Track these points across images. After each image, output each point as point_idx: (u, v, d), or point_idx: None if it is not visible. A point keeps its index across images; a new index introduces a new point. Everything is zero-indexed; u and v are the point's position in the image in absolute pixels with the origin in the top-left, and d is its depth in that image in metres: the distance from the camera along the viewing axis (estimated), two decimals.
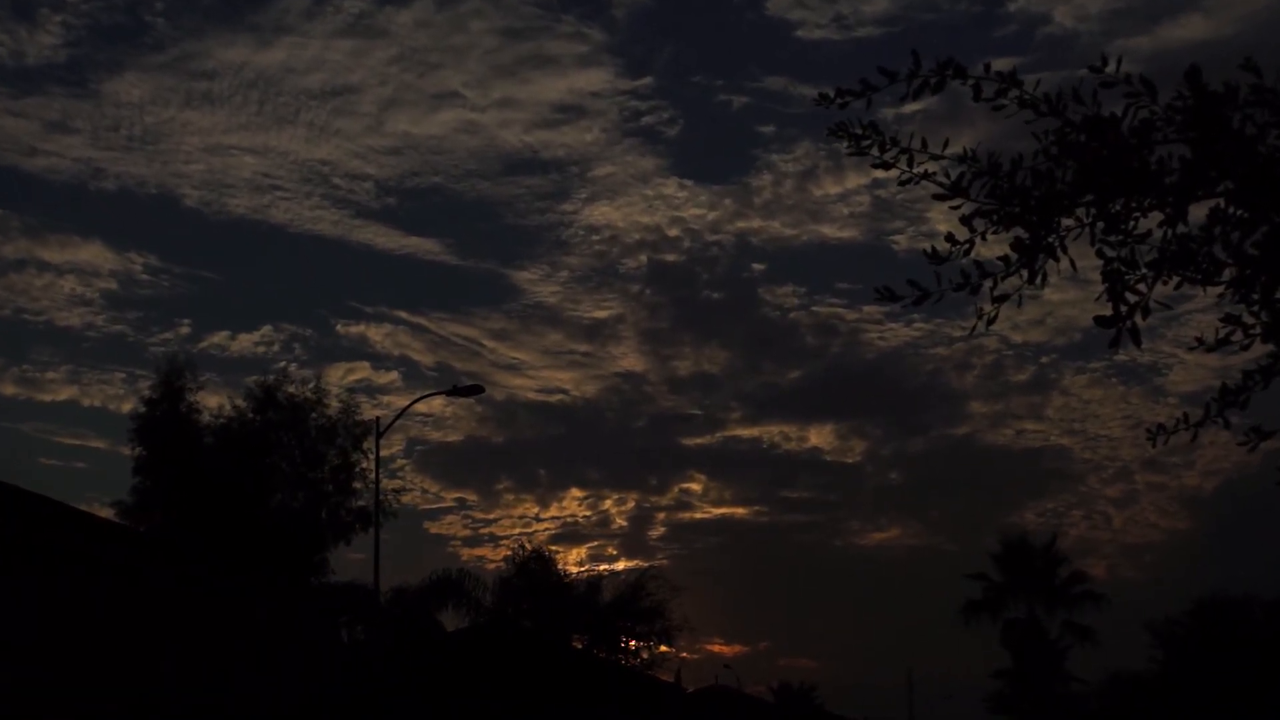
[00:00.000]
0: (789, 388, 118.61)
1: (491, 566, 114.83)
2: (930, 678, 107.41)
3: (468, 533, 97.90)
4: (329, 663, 37.07)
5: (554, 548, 48.72)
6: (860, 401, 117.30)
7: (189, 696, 28.63)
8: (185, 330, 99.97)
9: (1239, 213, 5.50)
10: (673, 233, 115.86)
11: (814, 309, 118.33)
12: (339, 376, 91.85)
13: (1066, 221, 5.75)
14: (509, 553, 46.25)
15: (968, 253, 5.85)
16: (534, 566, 43.09)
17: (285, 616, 35.97)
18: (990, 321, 5.87)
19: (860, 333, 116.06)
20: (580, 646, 42.37)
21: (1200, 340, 5.70)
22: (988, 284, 5.84)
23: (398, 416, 35.22)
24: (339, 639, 40.05)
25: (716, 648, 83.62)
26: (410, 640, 39.25)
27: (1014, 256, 5.79)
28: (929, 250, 5.81)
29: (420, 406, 79.21)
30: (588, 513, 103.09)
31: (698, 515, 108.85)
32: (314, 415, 45.50)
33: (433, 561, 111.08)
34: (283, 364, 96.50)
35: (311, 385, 46.54)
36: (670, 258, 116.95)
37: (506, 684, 38.48)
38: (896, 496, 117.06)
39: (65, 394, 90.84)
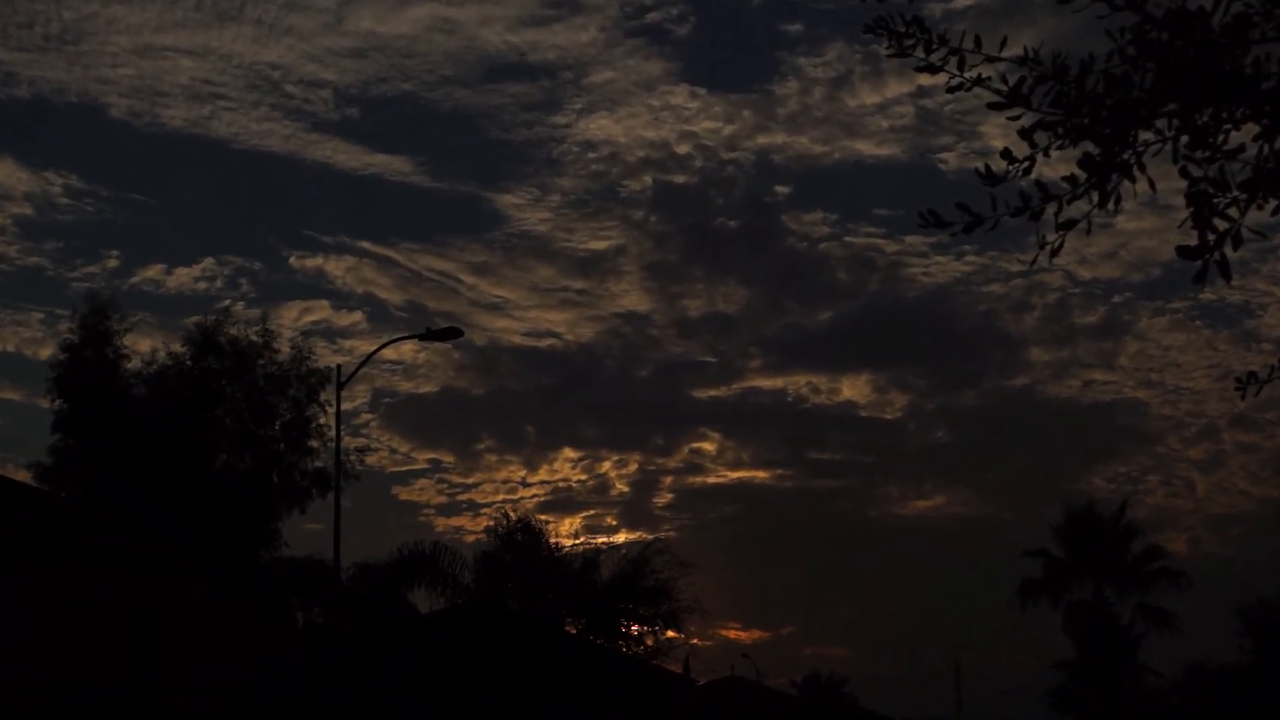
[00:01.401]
0: (818, 331, 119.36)
1: (471, 539, 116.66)
2: (981, 669, 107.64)
3: (443, 499, 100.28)
4: (280, 651, 37.41)
5: (544, 517, 48.42)
6: (901, 348, 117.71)
7: (113, 689, 28.86)
8: (113, 263, 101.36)
9: None
10: (682, 150, 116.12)
11: (847, 239, 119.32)
12: (292, 318, 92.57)
13: (1144, 135, 5.71)
14: (491, 523, 46.41)
15: (1028, 172, 5.82)
16: (520, 539, 43.23)
17: (229, 598, 36.29)
18: (1054, 253, 5.85)
19: (901, 267, 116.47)
20: (575, 632, 42.57)
21: None
22: (1051, 209, 5.81)
23: (362, 364, 35.49)
24: (292, 623, 40.54)
25: (732, 634, 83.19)
26: (376, 625, 39.62)
27: (1082, 176, 5.75)
28: (982, 169, 5.77)
29: (388, 352, 78.89)
30: (583, 477, 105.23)
31: (710, 480, 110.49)
32: (263, 362, 46.32)
33: (402, 533, 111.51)
34: (226, 302, 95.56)
35: (260, 327, 47.17)
36: (679, 179, 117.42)
37: (489, 675, 38.85)
38: (943, 458, 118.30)
39: None
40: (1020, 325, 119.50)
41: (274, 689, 35.33)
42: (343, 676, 33.70)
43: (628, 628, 43.11)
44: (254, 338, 46.60)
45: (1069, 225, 5.81)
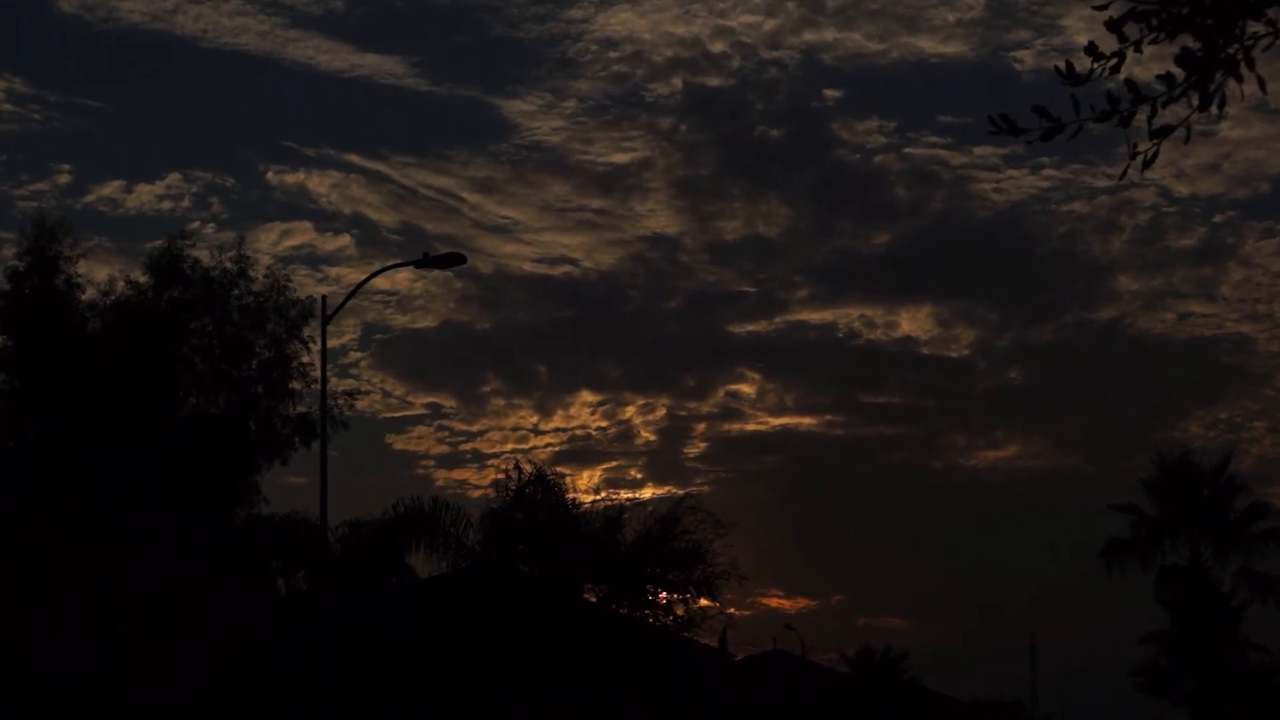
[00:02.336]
0: (872, 257, 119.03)
1: (477, 494, 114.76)
2: (1059, 644, 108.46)
3: (444, 449, 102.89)
4: (259, 621, 37.91)
5: (559, 470, 47.27)
6: (969, 276, 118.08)
7: (71, 663, 29.27)
8: (64, 179, 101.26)
9: None
10: (717, 48, 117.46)
11: (907, 151, 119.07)
12: (270, 241, 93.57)
13: (1253, 26, 5.61)
14: (499, 476, 44.31)
15: (1116, 70, 5.75)
16: (533, 495, 43.58)
17: (201, 561, 36.57)
18: (1147, 164, 5.80)
19: (969, 182, 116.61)
20: (595, 600, 43.26)
21: None
22: (1143, 113, 5.74)
23: (350, 295, 35.46)
24: (273, 589, 41.14)
25: (774, 602, 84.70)
26: (369, 591, 40.14)
27: (1180, 75, 5.68)
28: (1063, 68, 5.71)
29: (380, 282, 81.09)
30: (604, 423, 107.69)
31: (750, 427, 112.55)
32: (236, 293, 46.54)
33: (398, 488, 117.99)
34: (194, 224, 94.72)
35: (233, 253, 47.33)
36: (714, 82, 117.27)
37: (497, 648, 39.29)
38: (1016, 403, 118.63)
39: None
40: (1106, 250, 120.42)
41: (252, 665, 35.81)
42: (330, 650, 33.65)
43: (655, 596, 43.65)
44: (226, 265, 46.87)
45: (1164, 132, 5.73)
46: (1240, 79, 5.61)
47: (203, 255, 47.27)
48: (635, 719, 42.42)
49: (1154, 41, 5.65)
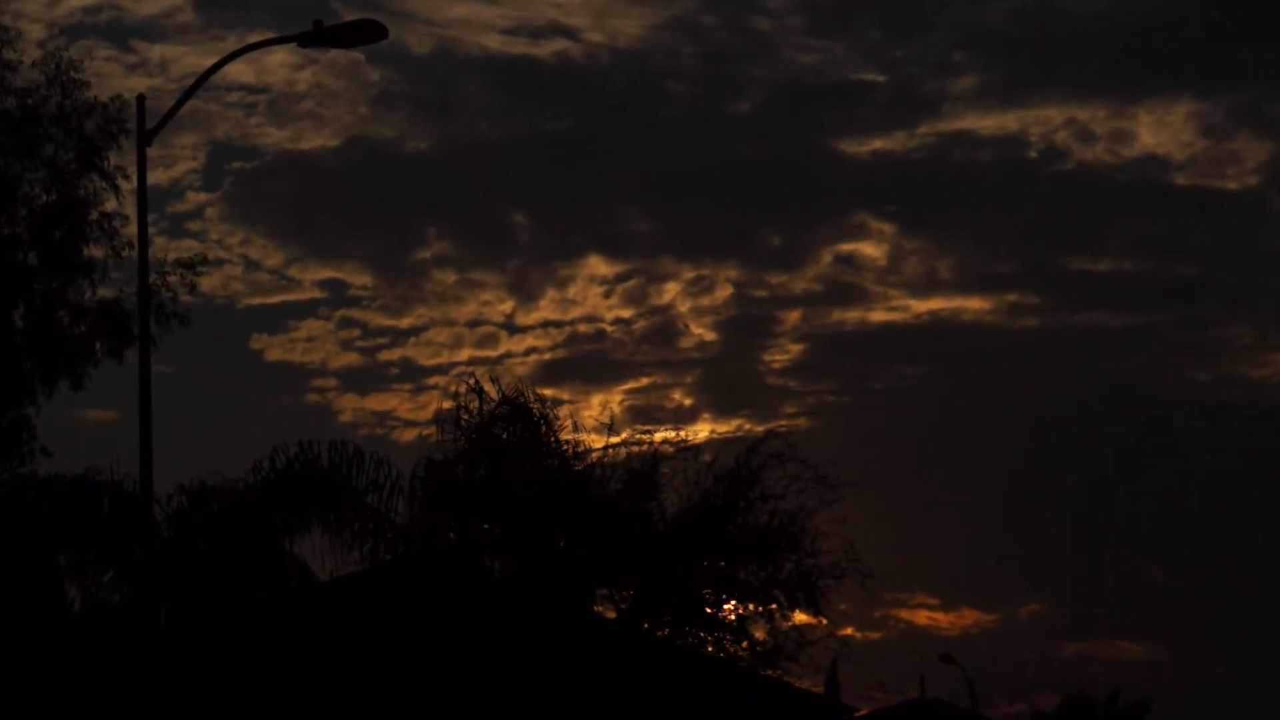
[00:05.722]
0: (1086, 17, 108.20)
1: (409, 436, 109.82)
2: None
3: (352, 359, 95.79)
4: (43, 645, 38.22)
5: (549, 393, 46.85)
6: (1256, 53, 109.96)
7: None
8: None
9: None
10: None
11: None
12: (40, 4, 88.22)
13: None
14: (447, 405, 43.66)
15: None
16: (503, 435, 43.29)
17: None
18: None
19: None
20: (614, 616, 42.67)
21: None
22: None
23: (188, 94, 31.66)
24: (59, 596, 40.83)
25: (921, 616, 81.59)
26: (222, 605, 39.55)
27: None
28: None
29: (238, 69, 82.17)
30: (625, 312, 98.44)
31: (875, 315, 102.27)
32: None
33: (275, 426, 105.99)
34: None
35: None
36: None
37: (446, 698, 36.21)
38: None
39: None
40: None
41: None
42: (152, 696, 29.49)
43: (718, 606, 43.32)
44: None
45: None
46: None
47: None
48: None
49: None
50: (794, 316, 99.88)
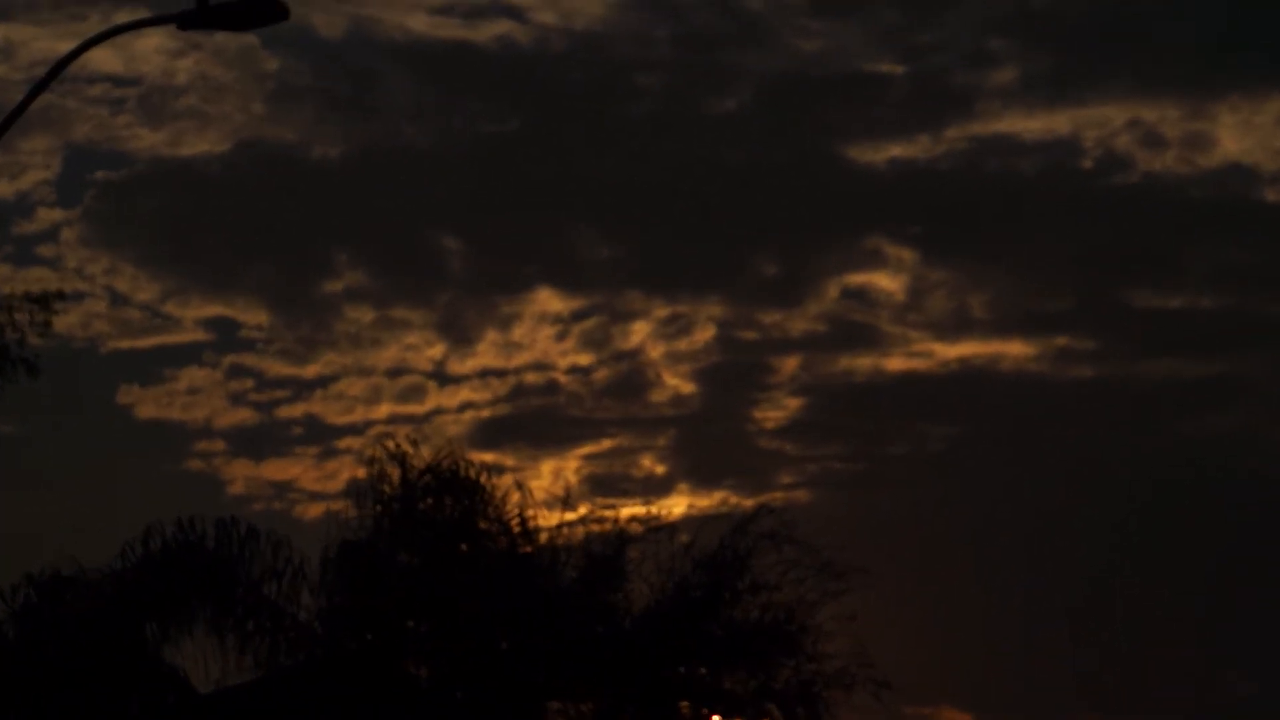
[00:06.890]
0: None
1: (314, 512, 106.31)
2: None
3: (245, 416, 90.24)
4: None
5: (488, 459, 43.98)
6: None
7: None
8: None
9: None
10: None
11: None
12: None
13: None
14: (362, 473, 40.99)
15: None
16: (432, 509, 40.93)
17: None
18: None
19: None
20: None
21: None
22: None
23: (41, 86, 30.03)
24: None
25: None
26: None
27: None
28: None
29: (102, 55, 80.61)
30: (584, 358, 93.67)
31: (893, 363, 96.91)
32: None
33: (152, 504, 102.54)
34: None
35: None
36: None
37: None
38: None
39: None
40: None
41: None
42: None
43: None
44: None
45: None
46: None
47: None
48: None
49: None
50: (791, 364, 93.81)
